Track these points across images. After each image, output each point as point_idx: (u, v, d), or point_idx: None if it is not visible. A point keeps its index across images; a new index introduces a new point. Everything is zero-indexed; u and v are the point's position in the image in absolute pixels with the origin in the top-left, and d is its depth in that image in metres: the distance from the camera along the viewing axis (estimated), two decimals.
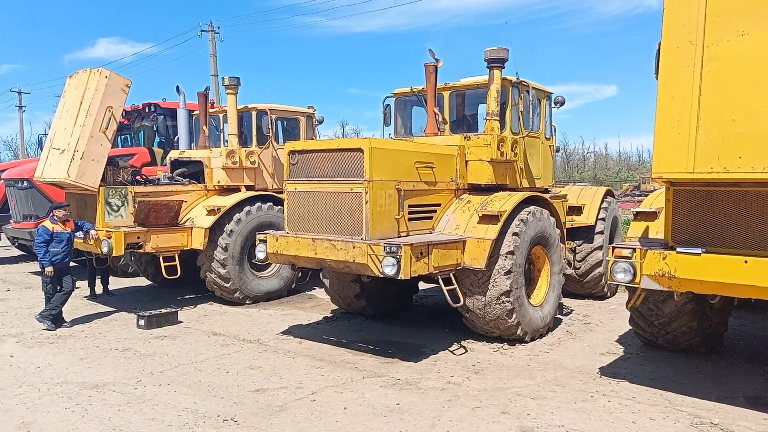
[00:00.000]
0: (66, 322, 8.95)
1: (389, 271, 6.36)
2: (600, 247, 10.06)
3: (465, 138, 8.14)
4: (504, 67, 7.94)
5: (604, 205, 10.43)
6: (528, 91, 8.51)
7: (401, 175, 7.13)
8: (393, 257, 6.34)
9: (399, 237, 7.02)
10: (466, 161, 8.12)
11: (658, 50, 5.06)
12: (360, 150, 6.79)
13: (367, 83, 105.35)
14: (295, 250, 7.25)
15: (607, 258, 5.74)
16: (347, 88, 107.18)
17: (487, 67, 7.94)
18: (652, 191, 7.85)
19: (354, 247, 6.64)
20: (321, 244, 6.95)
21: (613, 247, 5.68)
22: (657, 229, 6.36)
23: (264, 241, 7.68)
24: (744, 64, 4.62)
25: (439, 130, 8.47)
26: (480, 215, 7.39)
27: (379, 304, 9.11)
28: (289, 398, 5.86)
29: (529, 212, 7.73)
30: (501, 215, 7.26)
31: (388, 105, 9.39)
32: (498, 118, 8.01)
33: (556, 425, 5.14)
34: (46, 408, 5.66)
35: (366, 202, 6.71)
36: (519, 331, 7.49)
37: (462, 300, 7.19)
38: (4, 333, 8.54)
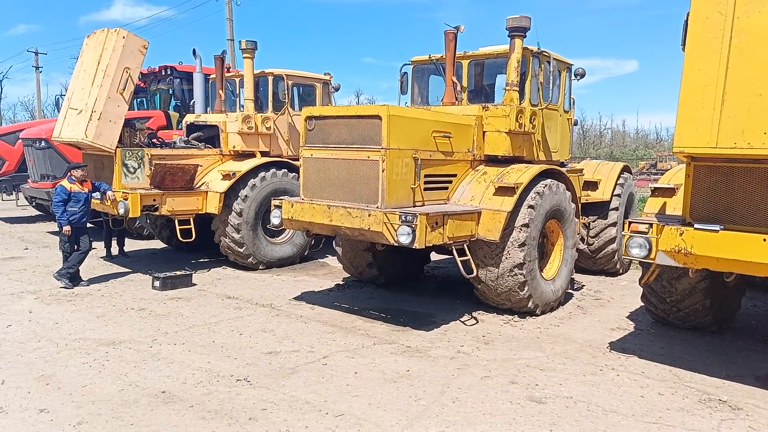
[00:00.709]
0: (83, 280, 9.11)
1: (404, 240, 6.37)
2: (614, 224, 9.98)
3: (483, 108, 8.05)
4: (525, 37, 7.79)
5: (620, 181, 10.31)
6: (549, 62, 8.37)
7: (418, 143, 7.08)
8: (408, 226, 6.34)
9: (414, 206, 7.01)
10: (484, 132, 8.04)
11: (686, 20, 4.93)
12: (378, 117, 6.73)
13: (382, 53, 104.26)
14: (311, 217, 7.27)
15: (622, 233, 5.70)
16: (362, 57, 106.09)
17: (509, 36, 7.79)
18: (668, 170, 7.73)
19: (369, 215, 6.64)
20: (336, 211, 6.96)
21: (630, 222, 5.64)
22: (675, 206, 6.28)
23: (279, 207, 7.70)
24: None
25: (456, 99, 8.37)
26: (496, 187, 7.35)
27: (391, 274, 9.15)
28: (301, 361, 5.95)
29: (546, 185, 7.67)
30: (517, 187, 7.22)
31: (406, 73, 9.28)
32: (517, 89, 7.90)
33: (564, 396, 5.18)
34: (64, 362, 5.80)
35: (382, 170, 6.69)
36: (530, 303, 7.51)
37: (475, 271, 7.20)
38: (23, 290, 8.72)
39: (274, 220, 7.82)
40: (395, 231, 6.44)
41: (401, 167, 6.86)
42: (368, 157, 6.82)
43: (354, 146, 6.98)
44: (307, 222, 7.36)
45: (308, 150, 7.51)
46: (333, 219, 7.00)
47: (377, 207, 6.71)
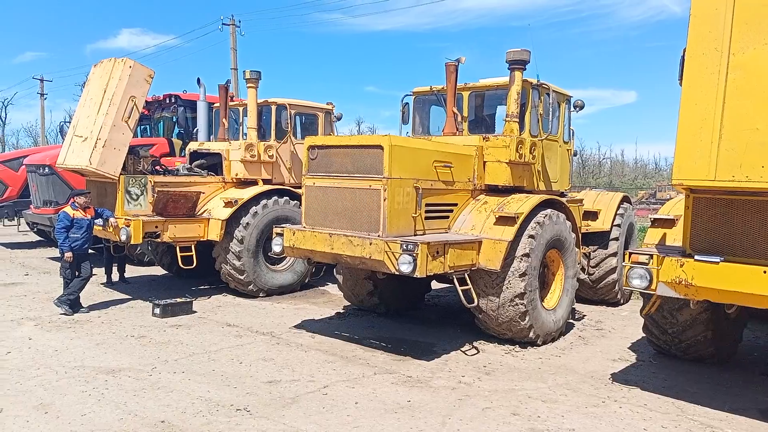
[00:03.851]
0: (83, 307, 9.09)
1: (405, 268, 6.39)
2: (614, 254, 9.99)
3: (483, 139, 8.15)
4: (525, 69, 7.94)
5: (620, 211, 10.35)
6: (548, 94, 8.50)
7: (420, 173, 7.15)
8: (410, 255, 6.36)
9: (415, 235, 7.04)
10: (484, 162, 8.13)
11: (683, 56, 5.04)
12: (380, 147, 6.81)
13: (385, 82, 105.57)
14: (312, 245, 7.30)
15: (623, 264, 5.72)
16: (365, 86, 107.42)
17: (509, 69, 7.94)
18: (668, 200, 7.80)
19: (371, 244, 6.67)
20: (338, 240, 7.00)
21: (630, 253, 5.66)
22: (675, 237, 6.32)
23: (281, 235, 7.74)
24: None
25: (457, 130, 8.48)
26: (497, 216, 7.40)
27: (391, 302, 9.14)
28: (301, 391, 5.91)
29: (546, 215, 7.71)
30: (518, 217, 7.26)
31: (407, 103, 9.41)
32: (517, 120, 8.01)
33: (566, 429, 5.14)
34: (63, 390, 5.77)
35: (384, 200, 6.74)
36: (531, 334, 7.49)
37: (476, 301, 7.20)
38: (23, 316, 8.70)
39: (276, 248, 7.84)
40: (396, 260, 6.46)
41: (402, 196, 6.92)
42: (370, 186, 6.88)
43: (356, 175, 7.05)
44: (309, 250, 7.39)
45: (311, 179, 7.58)
46: (334, 247, 7.03)
47: (378, 236, 6.74)
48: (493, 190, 8.20)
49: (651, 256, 5.46)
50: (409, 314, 9.34)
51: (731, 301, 5.22)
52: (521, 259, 7.29)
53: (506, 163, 7.96)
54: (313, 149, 7.57)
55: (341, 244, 6.95)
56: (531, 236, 7.40)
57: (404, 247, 6.42)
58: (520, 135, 8.10)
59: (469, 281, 7.12)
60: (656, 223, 6.68)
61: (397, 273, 6.53)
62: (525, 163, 8.15)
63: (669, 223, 6.55)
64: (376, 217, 6.82)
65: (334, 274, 9.30)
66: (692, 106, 4.93)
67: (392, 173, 6.77)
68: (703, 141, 4.83)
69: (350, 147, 7.23)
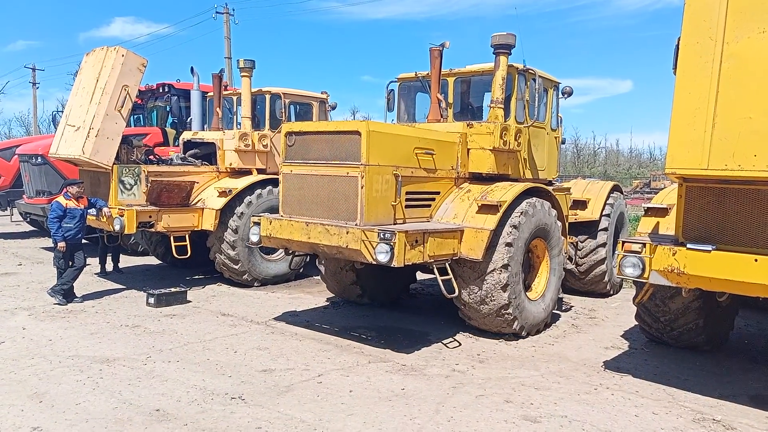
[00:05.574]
0: (77, 297, 9.07)
1: (382, 258, 6.25)
2: (603, 244, 9.88)
3: (467, 125, 8.00)
4: (510, 54, 7.76)
5: (610, 201, 10.23)
6: (534, 80, 8.30)
7: (400, 160, 7.00)
8: (387, 244, 6.22)
9: (395, 224, 6.91)
10: (468, 149, 7.97)
11: (677, 45, 5.03)
12: (357, 133, 6.66)
13: (380, 71, 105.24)
14: (289, 234, 7.14)
15: (616, 252, 5.74)
16: (361, 75, 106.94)
17: (494, 53, 7.76)
18: (662, 189, 7.81)
19: (347, 233, 6.53)
20: (314, 229, 6.85)
21: (623, 242, 5.68)
22: (668, 225, 6.34)
23: (258, 224, 7.56)
24: (763, 61, 4.59)
25: (442, 116, 8.32)
26: (479, 205, 7.25)
27: (375, 293, 9.01)
28: (296, 379, 5.94)
29: (530, 204, 7.57)
30: (500, 205, 7.12)
31: (392, 90, 9.17)
32: (502, 106, 7.84)
33: (559, 415, 5.19)
34: (57, 380, 5.77)
35: (361, 187, 6.60)
36: (516, 326, 7.35)
37: (457, 291, 7.08)
38: (17, 306, 8.68)
39: (253, 237, 7.64)
40: (373, 249, 6.32)
41: (381, 184, 6.77)
42: (347, 173, 6.74)
43: (333, 162, 6.90)
44: (285, 239, 7.24)
45: (288, 166, 7.42)
46: (311, 236, 6.88)
47: (356, 224, 6.60)
48: (477, 178, 8.04)
49: (644, 244, 5.48)
50: (402, 304, 9.37)
51: (723, 289, 5.26)
52: (503, 249, 7.14)
53: (490, 150, 7.80)
54: (290, 135, 7.39)
55: (318, 233, 6.81)
56: (514, 226, 7.25)
57: (381, 236, 6.27)
58: (505, 121, 7.94)
59: (450, 271, 7.00)
60: (649, 212, 6.70)
61: (374, 262, 6.41)
62: (510, 151, 8.02)
63: (662, 212, 6.56)
64: (353, 205, 6.68)
65: (316, 264, 9.08)
66: (686, 95, 4.93)
67: (370, 160, 6.63)
68: (697, 130, 4.84)
69: (327, 133, 7.06)
